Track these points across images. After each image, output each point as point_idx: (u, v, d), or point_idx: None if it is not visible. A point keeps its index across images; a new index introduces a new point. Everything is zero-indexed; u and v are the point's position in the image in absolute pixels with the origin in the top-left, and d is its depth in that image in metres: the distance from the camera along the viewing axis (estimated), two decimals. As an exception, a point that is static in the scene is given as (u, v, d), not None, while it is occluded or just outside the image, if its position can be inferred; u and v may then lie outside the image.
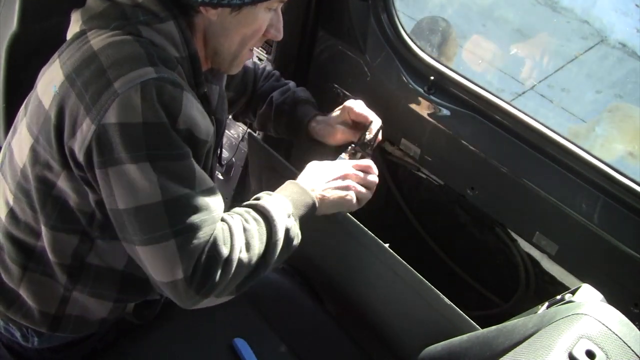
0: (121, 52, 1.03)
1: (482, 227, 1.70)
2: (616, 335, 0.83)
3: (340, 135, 1.45)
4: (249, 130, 1.70)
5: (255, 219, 1.12)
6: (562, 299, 1.03)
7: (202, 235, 1.03)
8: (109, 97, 0.99)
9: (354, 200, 1.27)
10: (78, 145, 1.03)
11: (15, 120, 1.21)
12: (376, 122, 1.45)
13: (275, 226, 1.11)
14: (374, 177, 1.32)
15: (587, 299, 1.00)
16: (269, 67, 1.66)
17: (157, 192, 1.00)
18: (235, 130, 1.96)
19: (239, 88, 1.55)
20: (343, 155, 1.41)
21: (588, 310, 0.86)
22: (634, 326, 0.86)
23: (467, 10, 4.56)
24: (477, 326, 1.19)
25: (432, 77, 1.57)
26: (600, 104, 3.89)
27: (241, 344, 1.43)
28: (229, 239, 1.05)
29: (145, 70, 1.01)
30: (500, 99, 1.50)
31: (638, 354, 0.82)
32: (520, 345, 0.88)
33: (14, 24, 1.31)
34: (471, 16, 4.51)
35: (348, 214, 1.34)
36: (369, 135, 1.43)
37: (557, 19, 4.58)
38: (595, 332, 0.83)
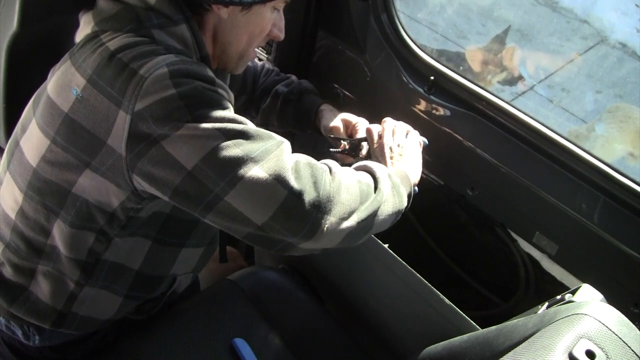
0: (139, 49, 1.04)
1: (482, 227, 1.70)
2: (616, 335, 0.83)
3: (348, 118, 1.49)
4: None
5: (355, 171, 1.16)
6: (562, 299, 1.03)
7: (282, 152, 1.02)
8: (137, 84, 0.99)
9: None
10: (117, 140, 1.02)
11: (23, 119, 1.20)
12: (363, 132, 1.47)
13: (374, 171, 1.16)
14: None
15: (587, 299, 1.00)
16: (268, 65, 1.67)
17: (216, 134, 0.98)
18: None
19: (239, 87, 1.56)
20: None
21: (588, 310, 0.86)
22: (634, 326, 0.87)
23: (466, 11, 4.55)
24: (477, 326, 1.19)
25: (432, 77, 1.57)
26: (600, 104, 3.89)
27: (241, 344, 1.43)
28: (337, 179, 1.07)
29: (166, 56, 1.03)
30: (500, 99, 1.50)
31: (638, 354, 0.82)
32: (520, 345, 0.88)
33: (14, 24, 1.31)
34: (471, 16, 4.51)
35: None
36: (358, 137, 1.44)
37: (557, 19, 4.58)
38: (595, 332, 0.83)
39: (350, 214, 1.05)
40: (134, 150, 1.01)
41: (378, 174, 1.16)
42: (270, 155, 1.01)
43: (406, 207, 1.23)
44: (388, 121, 1.39)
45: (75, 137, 1.06)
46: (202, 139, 0.98)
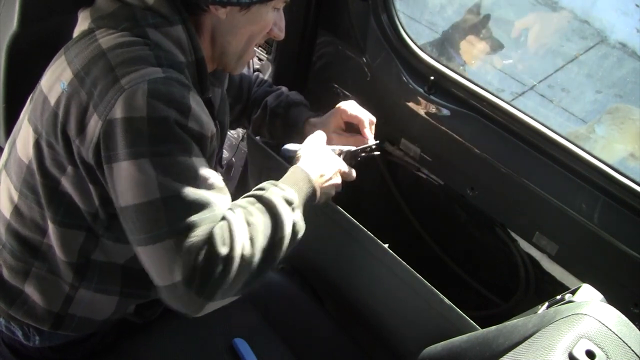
0: (129, 52, 1.03)
1: (482, 227, 1.70)
2: (616, 335, 0.83)
3: (335, 142, 1.44)
4: (248, 131, 1.70)
5: (260, 212, 1.08)
6: (562, 299, 1.03)
7: (201, 233, 0.99)
8: (115, 93, 0.99)
9: (332, 195, 1.30)
10: (87, 143, 1.03)
11: (20, 118, 1.21)
12: (371, 120, 1.43)
13: (282, 221, 1.09)
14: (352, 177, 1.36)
15: (587, 299, 1.00)
16: (262, 71, 1.66)
17: (155, 189, 0.99)
18: (236, 131, 1.96)
19: (236, 95, 1.55)
20: (336, 148, 1.38)
21: (588, 310, 0.86)
22: (634, 326, 0.86)
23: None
24: (477, 326, 1.19)
25: (432, 77, 1.57)
26: (600, 104, 3.89)
27: (241, 344, 1.43)
28: (228, 237, 1.02)
29: (153, 69, 1.02)
30: (500, 99, 1.50)
31: (638, 354, 0.82)
32: (520, 345, 0.88)
33: (14, 24, 1.31)
34: (471, 16, 4.50)
35: (347, 214, 1.35)
36: (357, 147, 1.39)
37: (557, 19, 4.58)
38: (595, 332, 0.83)
39: (234, 291, 1.05)
40: (97, 157, 1.03)
41: (284, 231, 1.09)
42: (190, 232, 0.98)
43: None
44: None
45: (56, 132, 1.07)
46: (142, 187, 0.99)
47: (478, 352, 1.04)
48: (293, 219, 1.12)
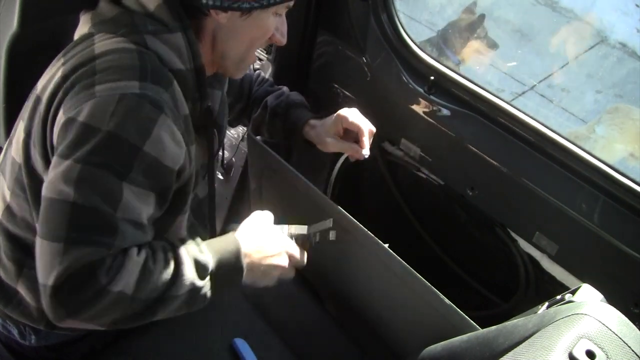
0: (117, 60, 1.03)
1: (482, 227, 1.70)
2: (616, 335, 0.83)
3: (331, 147, 1.44)
4: (248, 130, 1.70)
5: (164, 262, 1.04)
6: (562, 299, 1.03)
7: (90, 253, 0.96)
8: (86, 98, 1.00)
9: (275, 279, 1.22)
10: (55, 138, 1.04)
11: (18, 119, 1.21)
12: (371, 131, 1.42)
13: (180, 281, 1.03)
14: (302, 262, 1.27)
15: (587, 299, 1.00)
16: (262, 72, 1.66)
17: (71, 192, 0.97)
18: (235, 130, 1.97)
19: (237, 94, 1.55)
20: (285, 228, 1.26)
21: (588, 310, 0.86)
22: (634, 326, 0.86)
23: (466, 11, 4.55)
24: (477, 326, 1.19)
25: (432, 77, 1.57)
26: (600, 104, 3.89)
27: (241, 344, 1.43)
28: (115, 272, 0.98)
29: (130, 83, 1.01)
30: (500, 99, 1.50)
31: (638, 354, 0.82)
32: (520, 345, 0.88)
33: (14, 24, 1.31)
34: (471, 16, 4.50)
35: (347, 214, 1.35)
36: (310, 230, 1.26)
37: (557, 19, 4.58)
38: (595, 332, 0.83)
39: (103, 322, 1.01)
40: (57, 148, 1.02)
41: (179, 292, 1.04)
42: (78, 246, 0.96)
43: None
44: None
45: (42, 132, 1.08)
46: (62, 186, 0.97)
47: (478, 352, 1.04)
48: (195, 284, 1.06)
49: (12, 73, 1.41)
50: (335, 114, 1.45)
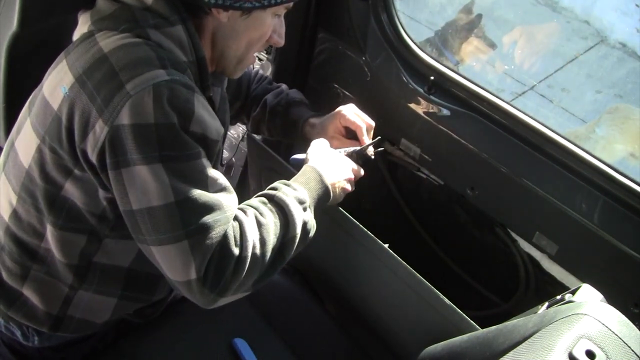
0: (132, 54, 1.03)
1: (482, 227, 1.70)
2: (616, 335, 0.83)
3: (334, 145, 1.44)
4: (248, 130, 1.70)
5: (271, 212, 1.11)
6: (562, 299, 1.03)
7: (215, 235, 1.02)
8: (122, 99, 1.00)
9: (343, 196, 1.31)
10: (91, 147, 1.03)
11: (19, 120, 1.21)
12: (370, 125, 1.43)
13: (293, 221, 1.11)
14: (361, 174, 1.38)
15: (587, 299, 1.00)
16: (262, 71, 1.67)
17: (169, 193, 1.01)
18: (235, 130, 1.97)
19: (235, 92, 1.55)
20: (342, 150, 1.39)
21: (588, 310, 0.86)
22: (634, 326, 0.86)
23: (467, 11, 4.54)
24: (477, 326, 1.19)
25: (432, 77, 1.57)
26: (600, 104, 3.89)
27: (241, 344, 1.43)
28: (240, 238, 1.05)
29: (157, 72, 1.02)
30: (500, 99, 1.50)
31: (638, 354, 0.82)
32: (520, 345, 0.88)
33: (14, 24, 1.31)
34: (471, 16, 4.50)
35: (347, 214, 1.35)
36: (361, 145, 1.41)
37: (557, 19, 4.58)
38: (595, 332, 0.83)
39: (247, 287, 1.09)
40: (102, 161, 1.03)
41: (295, 231, 1.12)
42: (203, 234, 1.02)
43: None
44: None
45: (60, 137, 1.07)
46: (155, 191, 1.01)
47: (478, 352, 1.04)
48: (304, 219, 1.14)
49: (12, 73, 1.41)
50: (333, 112, 1.46)
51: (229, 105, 1.54)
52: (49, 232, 1.16)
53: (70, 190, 1.12)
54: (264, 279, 1.11)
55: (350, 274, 1.52)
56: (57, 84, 1.09)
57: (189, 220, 1.02)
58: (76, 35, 1.15)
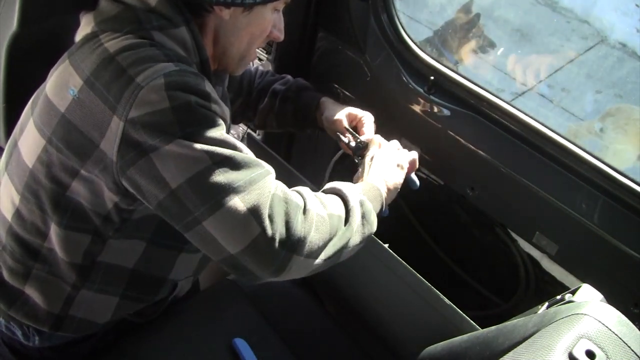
0: (138, 53, 1.03)
1: (482, 227, 1.70)
2: (616, 335, 0.83)
3: (338, 124, 1.47)
4: (248, 130, 1.70)
5: (328, 197, 1.13)
6: (562, 299, 1.03)
7: (265, 185, 1.01)
8: (133, 92, 0.99)
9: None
10: (109, 145, 1.02)
11: (21, 120, 1.20)
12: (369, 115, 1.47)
13: (347, 200, 1.13)
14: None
15: (587, 299, 1.00)
16: (262, 68, 1.67)
17: (204, 158, 0.99)
18: (235, 130, 1.96)
19: (236, 89, 1.56)
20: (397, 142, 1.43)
21: (588, 310, 0.86)
22: (634, 326, 0.86)
23: (466, 11, 4.54)
24: (477, 326, 1.19)
25: (432, 77, 1.57)
26: (600, 104, 3.89)
27: (241, 344, 1.43)
28: (297, 192, 1.07)
29: (165, 64, 1.02)
30: (500, 99, 1.50)
31: (638, 354, 0.82)
32: (520, 345, 0.88)
33: (14, 24, 1.31)
34: (471, 16, 4.49)
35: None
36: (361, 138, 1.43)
37: (557, 19, 4.58)
38: (595, 332, 0.83)
39: (318, 252, 1.06)
40: (125, 157, 1.02)
41: (351, 204, 1.14)
42: (253, 187, 1.00)
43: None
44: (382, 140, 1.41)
45: (70, 138, 1.07)
46: (189, 160, 0.99)
47: (478, 352, 1.04)
48: (360, 199, 1.16)
49: (12, 73, 1.41)
50: (354, 110, 1.49)
51: (232, 104, 1.55)
52: (53, 231, 1.16)
53: (77, 189, 1.11)
54: (333, 254, 1.08)
55: (350, 274, 1.52)
56: (62, 85, 1.08)
57: (232, 178, 0.99)
58: (79, 35, 1.14)
